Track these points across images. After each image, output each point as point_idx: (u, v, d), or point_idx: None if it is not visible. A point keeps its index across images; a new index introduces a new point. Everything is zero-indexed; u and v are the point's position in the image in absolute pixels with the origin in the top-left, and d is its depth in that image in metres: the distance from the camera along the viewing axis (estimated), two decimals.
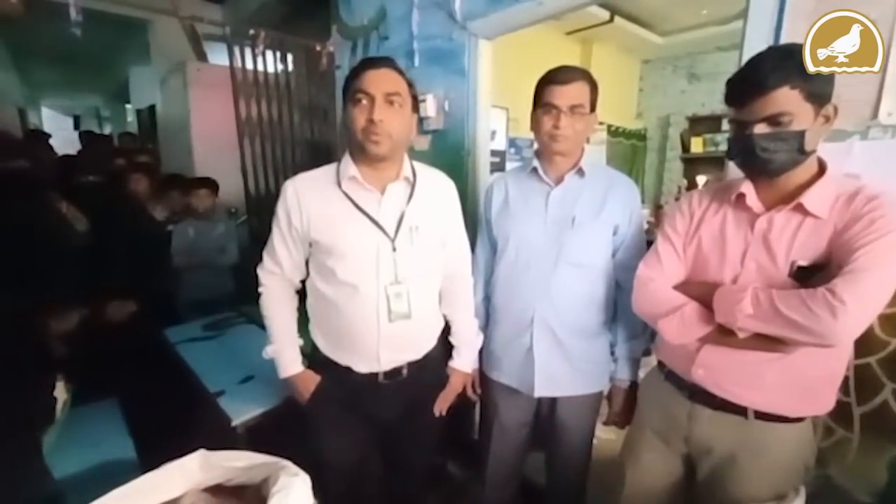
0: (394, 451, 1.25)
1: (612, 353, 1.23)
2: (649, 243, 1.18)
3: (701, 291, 0.91)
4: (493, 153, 3.69)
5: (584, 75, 1.13)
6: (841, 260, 0.77)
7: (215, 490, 0.80)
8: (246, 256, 2.55)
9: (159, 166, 3.10)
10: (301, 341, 1.17)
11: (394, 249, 1.02)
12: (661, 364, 1.06)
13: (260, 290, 1.14)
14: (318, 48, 2.61)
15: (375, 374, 1.08)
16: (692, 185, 4.37)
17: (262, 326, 1.17)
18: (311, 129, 2.63)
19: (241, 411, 1.33)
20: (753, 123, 0.82)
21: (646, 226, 1.36)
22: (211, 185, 2.39)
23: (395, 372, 1.09)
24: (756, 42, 1.08)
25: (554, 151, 1.15)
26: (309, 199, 1.04)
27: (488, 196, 1.32)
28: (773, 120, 0.80)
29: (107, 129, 8.51)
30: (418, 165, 1.13)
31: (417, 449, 1.25)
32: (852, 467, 1.00)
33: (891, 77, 0.91)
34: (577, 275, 1.17)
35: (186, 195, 2.37)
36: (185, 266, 2.33)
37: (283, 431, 1.24)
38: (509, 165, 3.69)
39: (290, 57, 2.65)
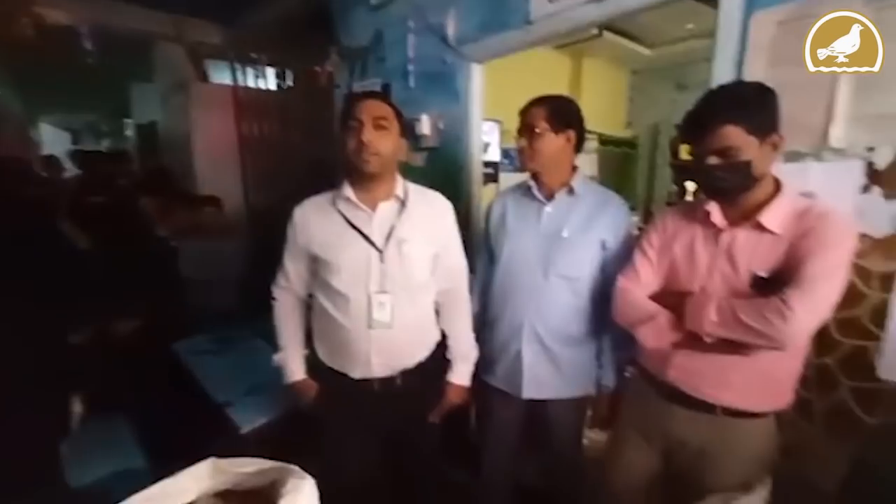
0: (396, 459, 1.32)
1: (599, 360, 1.32)
2: None
3: (674, 301, 1.01)
4: (488, 164, 3.82)
5: (543, 102, 1.25)
6: (793, 270, 0.87)
7: (226, 495, 0.83)
8: (251, 271, 2.64)
9: (167, 184, 3.16)
10: (306, 351, 1.27)
11: (381, 261, 1.13)
12: (641, 368, 1.15)
13: (272, 302, 1.27)
14: (317, 69, 2.72)
15: (370, 381, 1.17)
16: (682, 191, 4.48)
17: (269, 341, 1.27)
18: (313, 147, 2.72)
19: (250, 420, 1.41)
20: (706, 155, 0.92)
21: (637, 232, 1.44)
22: (216, 202, 2.48)
23: (390, 380, 1.17)
24: (723, 67, 1.19)
25: (530, 169, 1.28)
26: (310, 220, 1.18)
27: (488, 212, 1.43)
28: (722, 153, 0.90)
29: (105, 144, 8.60)
30: (414, 186, 1.23)
31: (418, 457, 1.33)
32: (814, 458, 1.09)
33: (839, 105, 1.01)
34: (565, 286, 1.26)
35: (193, 212, 2.46)
36: (193, 281, 2.40)
37: (291, 439, 1.32)
38: (503, 175, 3.79)
39: (290, 77, 2.75)
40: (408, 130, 1.32)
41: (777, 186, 0.95)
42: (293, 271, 1.23)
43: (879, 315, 0.99)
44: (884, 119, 0.96)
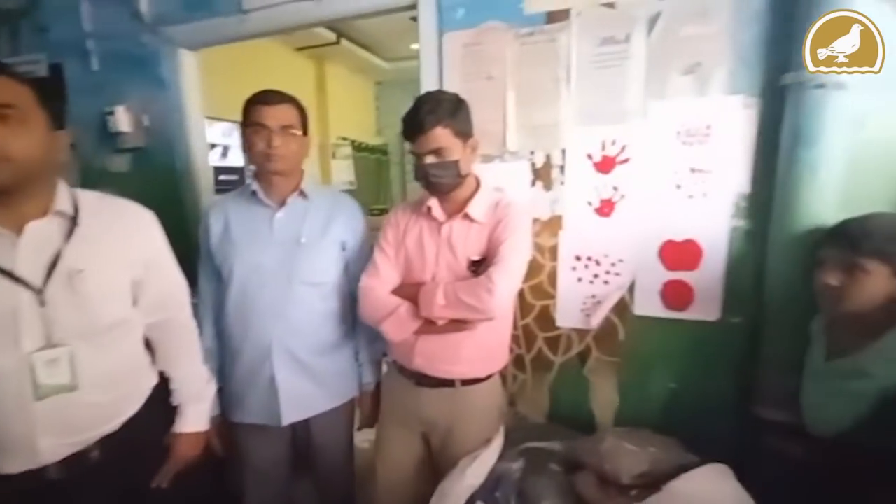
0: None
1: (357, 360, 1.30)
2: None
3: (411, 292, 1.07)
4: (230, 170, 3.41)
5: (292, 99, 1.17)
6: (493, 252, 1.04)
7: None
8: None
9: None
10: None
11: (41, 304, 0.80)
12: (394, 361, 1.19)
13: None
14: None
15: (39, 471, 0.82)
16: None
17: None
18: None
19: None
20: (424, 155, 1.02)
21: None
22: None
23: (79, 457, 0.86)
24: (428, 78, 1.35)
25: (271, 171, 1.14)
26: None
27: (205, 224, 1.21)
28: (436, 152, 1.01)
29: None
30: (91, 195, 0.91)
31: None
32: (529, 399, 1.37)
33: (510, 117, 1.28)
34: (312, 293, 1.18)
35: None
36: None
37: None
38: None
39: None
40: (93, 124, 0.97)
41: (478, 183, 1.13)
42: None
43: (553, 279, 1.30)
44: (535, 129, 1.26)
